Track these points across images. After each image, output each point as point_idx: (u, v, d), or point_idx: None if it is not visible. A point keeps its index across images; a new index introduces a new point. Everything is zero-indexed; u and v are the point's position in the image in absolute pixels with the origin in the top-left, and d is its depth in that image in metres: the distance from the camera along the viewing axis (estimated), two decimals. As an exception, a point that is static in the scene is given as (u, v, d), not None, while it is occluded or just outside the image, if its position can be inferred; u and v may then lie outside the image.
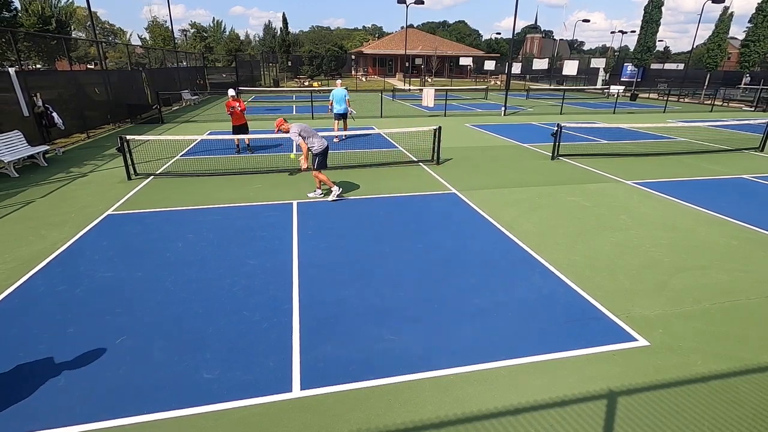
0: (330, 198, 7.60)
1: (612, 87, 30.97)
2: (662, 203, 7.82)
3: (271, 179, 9.14)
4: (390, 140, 13.48)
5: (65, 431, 2.96)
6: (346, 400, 3.24)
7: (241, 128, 11.27)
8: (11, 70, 10.63)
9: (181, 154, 11.61)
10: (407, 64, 47.90)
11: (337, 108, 12.88)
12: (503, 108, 20.98)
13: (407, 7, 35.67)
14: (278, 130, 7.26)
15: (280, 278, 5.00)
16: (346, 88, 13.12)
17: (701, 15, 33.11)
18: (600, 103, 27.39)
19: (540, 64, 43.06)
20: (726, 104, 27.36)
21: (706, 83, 31.14)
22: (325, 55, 54.11)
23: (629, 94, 30.62)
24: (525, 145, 13.30)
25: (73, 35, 36.85)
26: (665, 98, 26.55)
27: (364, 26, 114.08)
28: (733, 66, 38.74)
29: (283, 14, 49.68)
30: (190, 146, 12.50)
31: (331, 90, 13.48)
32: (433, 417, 3.11)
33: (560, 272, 5.18)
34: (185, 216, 7.01)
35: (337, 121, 13.17)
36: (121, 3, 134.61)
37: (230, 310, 4.37)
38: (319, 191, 7.92)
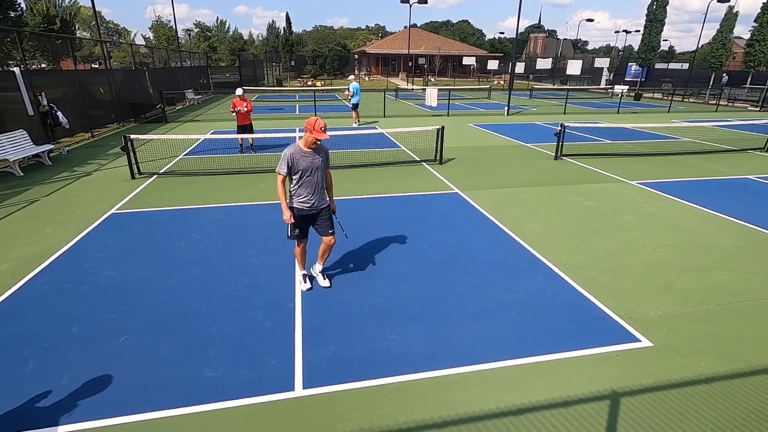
0: (301, 287, 4.75)
1: (616, 87, 30.85)
2: (667, 204, 7.78)
3: (274, 178, 9.14)
4: (393, 140, 13.47)
5: (69, 428, 2.97)
6: (348, 399, 3.24)
7: (245, 128, 11.33)
8: (16, 70, 10.68)
9: (184, 153, 11.63)
10: (410, 64, 47.85)
11: (353, 99, 15.86)
12: (506, 108, 20.94)
13: (410, 6, 35.68)
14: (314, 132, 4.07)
15: (283, 277, 5.00)
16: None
17: (706, 14, 32.98)
18: (604, 103, 27.29)
19: (543, 63, 42.98)
20: (731, 104, 27.21)
21: (711, 83, 30.99)
22: (329, 55, 54.13)
23: (633, 94, 30.50)
24: (528, 144, 13.26)
25: (77, 35, 37.01)
26: (669, 98, 26.43)
27: (367, 26, 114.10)
28: (738, 66, 38.56)
29: (287, 14, 49.73)
30: (194, 145, 12.53)
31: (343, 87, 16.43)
32: (436, 417, 3.10)
33: (564, 272, 5.17)
34: (189, 215, 7.02)
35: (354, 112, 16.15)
36: (126, 3, 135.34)
37: (234, 308, 4.38)
38: (318, 267, 4.85)
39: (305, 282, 4.76)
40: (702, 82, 31.79)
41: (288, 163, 4.15)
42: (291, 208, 4.33)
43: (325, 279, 4.79)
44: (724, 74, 31.78)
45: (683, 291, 4.80)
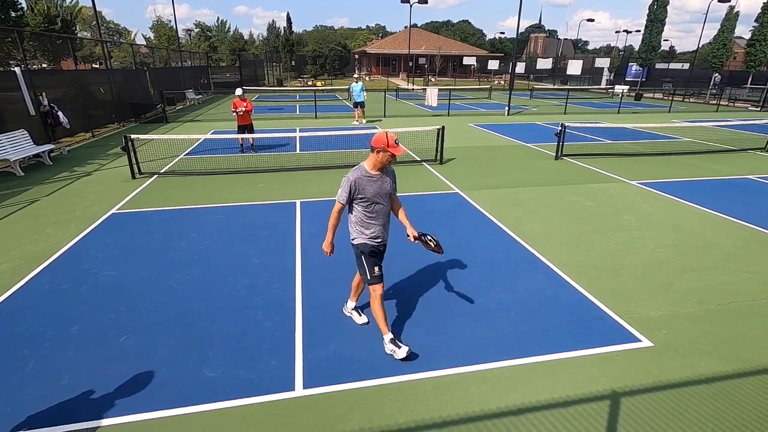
0: (396, 353, 3.64)
1: (616, 87, 30.84)
2: (667, 204, 7.77)
3: (274, 178, 9.16)
4: (393, 140, 13.46)
5: (69, 428, 2.97)
6: (348, 399, 3.24)
7: (245, 128, 11.34)
8: (17, 70, 10.70)
9: (184, 153, 11.64)
10: (411, 64, 47.85)
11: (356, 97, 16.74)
12: (507, 108, 20.93)
13: (411, 6, 35.67)
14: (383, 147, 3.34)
15: (283, 277, 5.00)
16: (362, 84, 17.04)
17: (707, 14, 32.97)
18: (604, 103, 27.28)
19: (544, 63, 42.99)
20: (732, 104, 27.19)
21: (712, 83, 30.96)
22: (329, 55, 54.14)
23: (634, 94, 30.48)
24: (529, 144, 13.26)
25: (78, 35, 37.03)
26: (670, 98, 26.41)
27: (367, 26, 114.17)
28: (738, 66, 38.55)
29: (287, 14, 49.81)
30: (194, 145, 12.54)
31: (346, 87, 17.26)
32: (436, 417, 3.10)
33: (564, 273, 5.16)
34: (189, 215, 7.03)
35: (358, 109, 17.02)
36: (126, 3, 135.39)
37: (234, 308, 4.38)
38: (351, 305, 4.24)
39: (399, 347, 3.64)
40: (703, 82, 31.78)
41: (350, 190, 3.42)
42: (360, 245, 3.60)
43: (361, 315, 4.17)
44: (716, 74, 31.74)
45: (683, 291, 4.79)
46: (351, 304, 4.21)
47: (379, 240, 3.62)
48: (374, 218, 3.54)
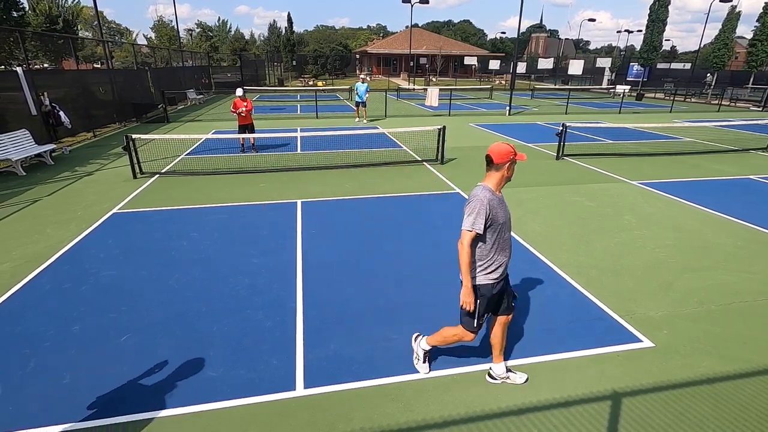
0: (423, 367, 3.49)
1: (618, 87, 30.81)
2: (668, 204, 7.76)
3: (275, 178, 9.17)
4: (394, 140, 13.47)
5: (68, 428, 2.98)
6: (349, 399, 3.24)
7: (246, 128, 11.36)
8: (19, 69, 10.71)
9: (186, 153, 11.65)
10: (412, 64, 47.83)
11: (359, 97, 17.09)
12: (508, 108, 20.92)
13: (412, 6, 35.63)
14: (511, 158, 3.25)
15: (284, 277, 5.01)
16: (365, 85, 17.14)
17: (708, 14, 32.92)
18: (605, 103, 27.25)
19: (545, 63, 42.97)
20: (733, 104, 27.14)
21: (713, 83, 30.89)
22: (330, 55, 54.14)
23: (635, 94, 30.45)
24: (530, 144, 13.25)
25: (79, 35, 37.09)
26: (671, 98, 26.37)
27: (368, 25, 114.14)
28: (740, 66, 38.46)
29: (288, 14, 49.79)
30: (195, 145, 12.55)
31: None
32: (437, 417, 3.10)
33: (564, 273, 5.16)
34: (190, 215, 7.04)
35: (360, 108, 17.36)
36: (128, 3, 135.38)
37: (234, 308, 4.38)
38: (500, 368, 3.37)
39: (425, 361, 3.47)
40: (704, 82, 31.72)
41: (487, 214, 2.80)
42: (480, 287, 2.97)
43: (516, 373, 3.40)
44: (709, 74, 31.63)
45: (684, 291, 4.79)
46: (500, 367, 3.36)
47: (498, 274, 2.98)
48: (501, 250, 2.94)
